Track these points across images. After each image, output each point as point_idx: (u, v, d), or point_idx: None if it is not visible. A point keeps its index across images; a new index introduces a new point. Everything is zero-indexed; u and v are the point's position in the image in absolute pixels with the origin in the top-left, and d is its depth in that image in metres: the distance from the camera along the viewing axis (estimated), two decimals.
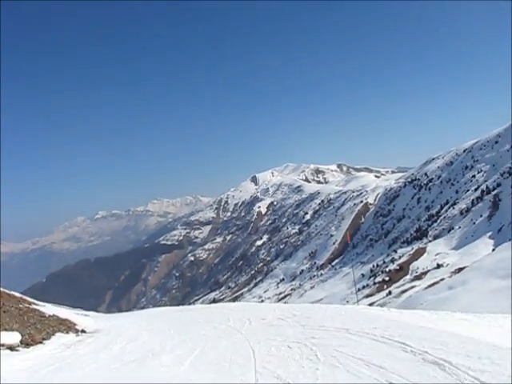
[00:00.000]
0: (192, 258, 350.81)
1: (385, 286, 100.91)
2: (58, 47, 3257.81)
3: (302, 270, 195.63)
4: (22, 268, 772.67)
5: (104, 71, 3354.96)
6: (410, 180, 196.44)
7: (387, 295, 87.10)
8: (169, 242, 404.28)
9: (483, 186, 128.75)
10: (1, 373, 8.73)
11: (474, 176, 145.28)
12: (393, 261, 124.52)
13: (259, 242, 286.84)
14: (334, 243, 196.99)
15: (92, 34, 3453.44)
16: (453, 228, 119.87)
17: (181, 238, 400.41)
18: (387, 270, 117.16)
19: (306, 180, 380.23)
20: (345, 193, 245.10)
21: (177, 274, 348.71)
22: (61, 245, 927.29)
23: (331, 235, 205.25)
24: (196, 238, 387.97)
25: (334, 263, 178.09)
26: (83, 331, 18.20)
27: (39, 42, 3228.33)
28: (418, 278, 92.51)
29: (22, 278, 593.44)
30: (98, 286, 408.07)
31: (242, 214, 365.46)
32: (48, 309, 21.40)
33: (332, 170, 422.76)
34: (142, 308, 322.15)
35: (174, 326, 17.92)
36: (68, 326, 18.14)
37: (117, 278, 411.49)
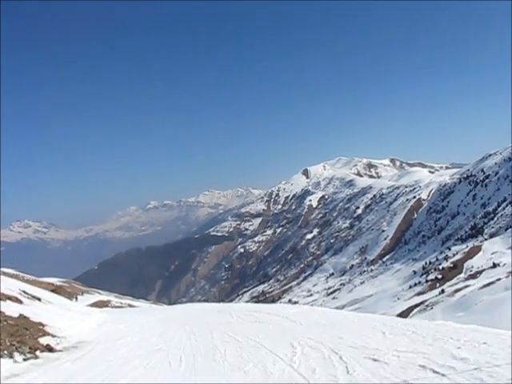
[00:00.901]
0: (242, 250, 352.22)
1: (437, 285, 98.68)
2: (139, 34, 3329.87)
3: (352, 265, 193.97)
4: (75, 255, 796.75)
5: (162, 63, 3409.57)
6: (465, 176, 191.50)
7: (440, 294, 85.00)
8: (219, 234, 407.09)
9: None
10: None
11: None
12: (446, 258, 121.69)
13: (309, 236, 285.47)
14: (385, 239, 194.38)
15: (158, 26, 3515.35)
16: (511, 226, 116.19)
17: (231, 229, 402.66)
18: (440, 267, 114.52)
19: (358, 174, 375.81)
20: (397, 188, 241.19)
21: (226, 266, 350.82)
22: (113, 233, 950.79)
23: (383, 230, 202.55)
24: (246, 229, 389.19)
25: (384, 259, 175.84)
26: (57, 344, 12.91)
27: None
28: (473, 277, 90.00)
29: (75, 265, 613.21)
30: (149, 274, 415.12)
31: (293, 207, 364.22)
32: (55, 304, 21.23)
33: (385, 165, 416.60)
34: (191, 298, 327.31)
35: (198, 346, 11.68)
36: (34, 338, 12.47)
37: (167, 267, 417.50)
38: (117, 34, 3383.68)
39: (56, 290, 59.06)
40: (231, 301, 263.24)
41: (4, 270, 71.75)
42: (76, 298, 66.27)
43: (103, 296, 74.87)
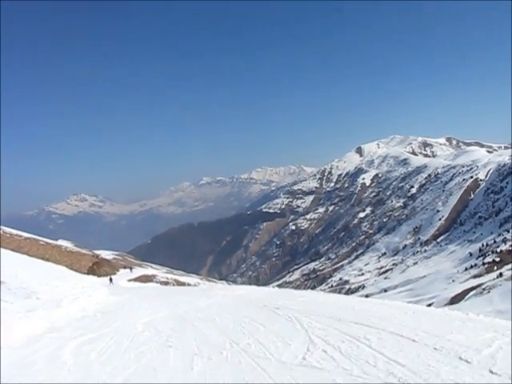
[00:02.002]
0: (293, 227, 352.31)
1: (495, 268, 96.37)
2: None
3: (405, 245, 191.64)
4: (130, 229, 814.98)
5: (225, 40, 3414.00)
6: None
7: (497, 277, 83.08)
8: (271, 210, 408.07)
9: None
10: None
11: None
12: (505, 241, 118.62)
13: (362, 214, 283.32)
14: (440, 219, 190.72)
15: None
16: None
17: (283, 206, 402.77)
18: (498, 250, 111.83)
19: (413, 153, 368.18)
20: (454, 167, 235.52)
21: (277, 242, 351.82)
22: (166, 208, 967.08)
23: (437, 211, 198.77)
24: (298, 207, 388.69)
25: (439, 240, 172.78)
26: None
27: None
28: None
29: (129, 239, 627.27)
30: (201, 249, 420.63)
31: (346, 185, 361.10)
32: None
33: (440, 144, 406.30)
34: (242, 274, 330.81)
35: None
36: None
37: (218, 243, 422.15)
38: None
39: (98, 262, 60.97)
40: (282, 277, 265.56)
41: (61, 241, 74.23)
42: (131, 269, 68.20)
43: (151, 270, 74.88)
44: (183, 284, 63.83)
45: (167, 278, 65.06)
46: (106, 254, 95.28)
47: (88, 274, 51.21)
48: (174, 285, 60.77)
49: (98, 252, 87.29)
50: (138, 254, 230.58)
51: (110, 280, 44.83)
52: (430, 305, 79.71)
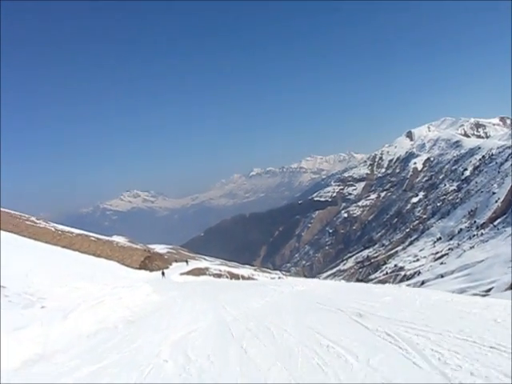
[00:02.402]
0: (345, 215, 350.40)
1: None
2: None
3: (461, 229, 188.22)
4: (182, 222, 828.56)
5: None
6: None
7: None
8: (322, 199, 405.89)
9: None
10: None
11: None
12: None
13: (415, 200, 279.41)
14: (496, 201, 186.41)
15: None
16: None
17: (334, 194, 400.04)
18: None
19: (465, 135, 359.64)
20: (509, 148, 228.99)
21: (330, 231, 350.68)
22: (218, 201, 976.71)
23: (493, 193, 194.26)
24: (350, 194, 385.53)
25: (496, 223, 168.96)
26: None
27: None
28: None
29: (183, 232, 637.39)
30: (253, 240, 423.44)
31: (397, 170, 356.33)
32: None
33: (494, 124, 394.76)
34: (296, 264, 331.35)
35: None
36: None
37: (271, 233, 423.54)
38: None
39: (150, 257, 61.96)
40: (336, 266, 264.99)
41: (115, 237, 76.58)
42: (187, 262, 69.55)
43: (205, 263, 75.01)
44: (237, 276, 63.24)
45: (220, 271, 64.81)
46: (160, 248, 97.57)
47: (140, 268, 52.35)
48: (227, 277, 60.26)
49: (151, 246, 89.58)
50: (192, 247, 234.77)
51: (163, 274, 45.95)
52: (489, 290, 78.93)
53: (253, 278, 64.64)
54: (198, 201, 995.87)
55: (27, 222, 52.33)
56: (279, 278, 70.88)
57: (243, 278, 63.01)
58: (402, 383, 5.20)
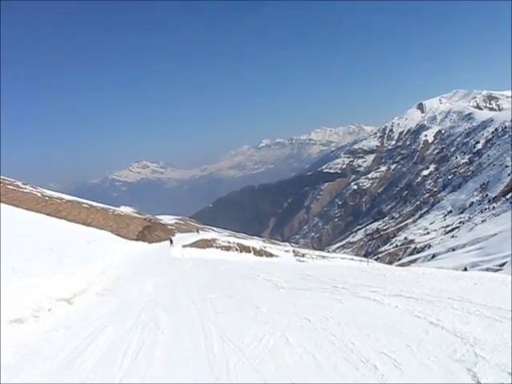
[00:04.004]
0: (355, 187, 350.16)
1: None
2: None
3: (472, 203, 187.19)
4: (191, 194, 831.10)
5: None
6: None
7: None
8: (332, 171, 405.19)
9: None
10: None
11: None
12: None
13: (425, 172, 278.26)
14: (508, 175, 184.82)
15: None
16: None
17: (344, 166, 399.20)
18: None
19: (478, 107, 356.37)
20: None
21: (339, 203, 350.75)
22: (227, 172, 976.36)
23: (506, 166, 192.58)
24: (359, 166, 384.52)
25: (508, 196, 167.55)
26: None
27: None
28: None
29: (191, 203, 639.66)
30: (262, 212, 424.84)
31: (408, 142, 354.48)
32: None
33: (507, 97, 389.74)
34: (305, 236, 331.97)
35: None
36: None
37: (280, 204, 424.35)
38: None
39: (149, 226, 57.45)
40: (345, 238, 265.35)
41: (123, 208, 76.09)
42: (197, 231, 68.46)
43: (213, 234, 72.50)
44: (247, 249, 58.65)
45: (229, 242, 58.85)
46: (168, 219, 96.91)
47: (137, 239, 47.57)
48: (236, 250, 55.94)
49: (159, 217, 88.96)
50: (200, 218, 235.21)
51: (171, 242, 43.78)
52: (503, 264, 78.38)
53: (266, 252, 61.12)
54: (207, 172, 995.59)
55: (9, 187, 47.26)
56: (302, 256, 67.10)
57: (254, 251, 58.78)
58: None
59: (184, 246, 42.41)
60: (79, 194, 67.41)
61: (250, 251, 57.74)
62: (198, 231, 68.90)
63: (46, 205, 45.45)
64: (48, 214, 41.16)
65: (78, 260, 19.34)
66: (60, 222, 40.04)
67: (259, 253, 58.88)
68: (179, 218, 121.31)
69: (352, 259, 75.25)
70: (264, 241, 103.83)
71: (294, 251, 69.74)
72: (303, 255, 67.04)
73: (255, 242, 74.67)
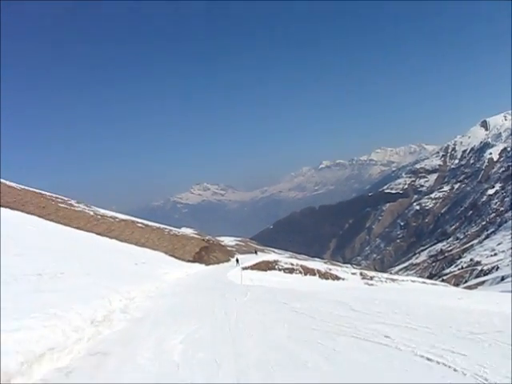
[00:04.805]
0: (417, 207, 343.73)
1: None
2: None
3: None
4: (252, 215, 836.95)
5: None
6: None
7: None
8: (393, 191, 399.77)
9: None
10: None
11: None
12: None
13: (491, 191, 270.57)
14: None
15: None
16: None
17: (405, 186, 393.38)
18: None
19: None
20: None
21: (401, 224, 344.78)
22: (287, 194, 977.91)
23: None
24: (421, 186, 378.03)
25: None
26: None
27: None
28: None
29: (252, 225, 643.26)
30: (323, 233, 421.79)
31: (471, 161, 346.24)
32: None
33: None
34: (367, 257, 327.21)
35: None
36: None
37: (341, 226, 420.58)
38: None
39: (207, 247, 55.90)
40: (408, 260, 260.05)
41: (184, 229, 77.27)
42: (256, 252, 68.73)
43: (274, 255, 71.73)
44: (312, 272, 56.03)
45: (292, 264, 56.09)
46: (229, 240, 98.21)
47: (193, 261, 45.38)
48: (300, 272, 54.24)
49: (220, 239, 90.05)
50: (261, 239, 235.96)
51: (237, 261, 44.11)
52: None
53: (332, 275, 58.34)
54: (268, 193, 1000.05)
55: (61, 205, 46.26)
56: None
57: (319, 273, 57.00)
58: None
59: (244, 268, 39.21)
60: (142, 216, 68.60)
61: (314, 274, 56.43)
62: (256, 252, 69.30)
63: (98, 224, 44.36)
64: (98, 234, 39.70)
65: (102, 290, 11.86)
66: (108, 241, 38.45)
67: (324, 275, 57.47)
68: (240, 239, 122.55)
69: (424, 282, 72.83)
70: (326, 262, 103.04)
71: (361, 273, 68.08)
72: (371, 278, 64.66)
73: (319, 264, 73.42)
